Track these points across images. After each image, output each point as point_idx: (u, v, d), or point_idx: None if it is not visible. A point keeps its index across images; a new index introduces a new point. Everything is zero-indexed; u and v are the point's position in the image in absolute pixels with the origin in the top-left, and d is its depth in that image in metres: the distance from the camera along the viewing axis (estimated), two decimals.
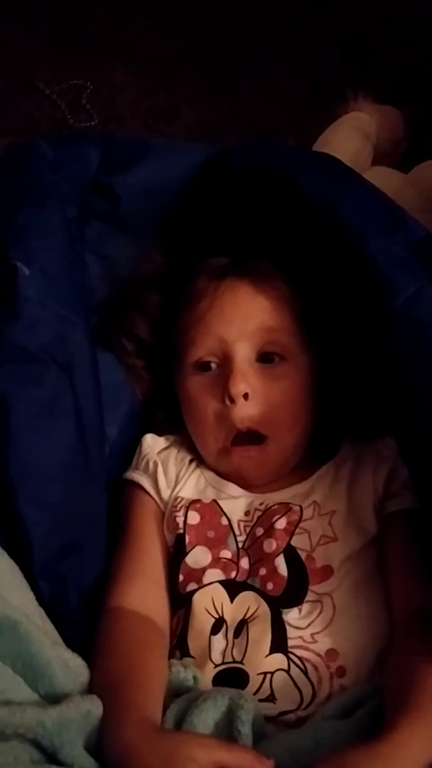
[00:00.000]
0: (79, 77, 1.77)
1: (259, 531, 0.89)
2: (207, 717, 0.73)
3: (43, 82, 1.76)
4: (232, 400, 0.90)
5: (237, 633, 0.84)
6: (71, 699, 0.71)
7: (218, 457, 0.94)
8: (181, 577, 0.88)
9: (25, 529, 0.83)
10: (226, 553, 0.89)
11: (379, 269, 0.83)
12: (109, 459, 0.97)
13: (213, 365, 0.94)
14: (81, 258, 0.99)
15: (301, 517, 0.89)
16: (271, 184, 0.95)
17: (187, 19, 1.92)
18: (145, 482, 0.96)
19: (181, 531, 0.90)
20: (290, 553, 0.87)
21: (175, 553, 0.90)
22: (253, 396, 0.91)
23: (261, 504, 0.91)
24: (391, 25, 1.83)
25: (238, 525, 0.90)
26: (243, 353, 0.92)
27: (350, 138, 1.51)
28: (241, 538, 0.89)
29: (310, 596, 0.85)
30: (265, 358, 0.93)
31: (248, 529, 0.90)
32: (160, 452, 0.98)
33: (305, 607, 0.84)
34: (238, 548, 0.89)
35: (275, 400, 0.91)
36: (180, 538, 0.90)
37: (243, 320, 0.92)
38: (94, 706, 0.72)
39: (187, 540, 0.90)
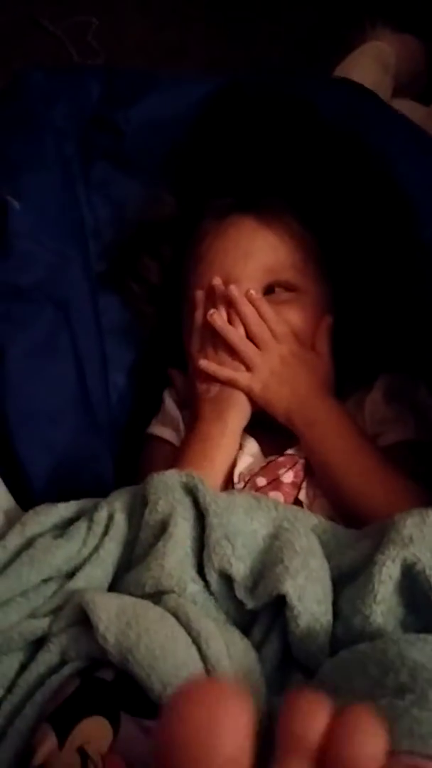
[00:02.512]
0: (84, 13, 1.71)
1: (261, 481, 0.86)
2: None
3: (47, 20, 1.71)
4: None
5: None
6: None
7: None
8: None
9: (26, 473, 0.82)
10: None
11: (407, 196, 0.80)
12: (119, 406, 0.97)
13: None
14: (76, 193, 0.96)
15: (306, 470, 0.87)
16: (287, 114, 0.91)
17: None
18: (171, 436, 0.95)
19: None
20: None
21: None
22: None
23: (266, 457, 0.89)
24: None
25: (239, 475, 0.88)
26: (247, 288, 0.89)
27: (369, 69, 1.45)
28: (239, 486, 0.87)
29: None
30: (271, 290, 0.91)
31: (247, 478, 0.87)
32: (180, 407, 0.97)
33: None
34: None
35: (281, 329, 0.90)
36: None
37: (246, 259, 0.91)
38: None
39: None
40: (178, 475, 0.71)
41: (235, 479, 0.87)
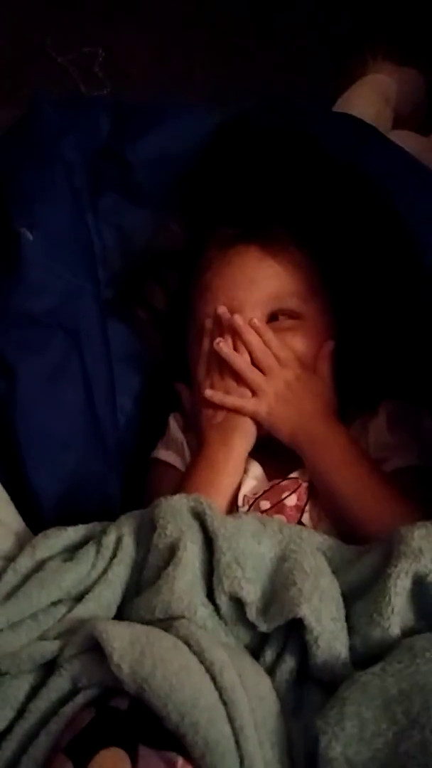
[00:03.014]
0: (90, 44, 1.74)
1: (265, 504, 0.87)
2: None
3: (55, 51, 1.73)
4: None
5: None
6: None
7: None
8: None
9: (36, 495, 0.84)
10: None
11: (408, 226, 0.82)
12: (126, 430, 0.98)
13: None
14: (86, 223, 0.98)
15: (309, 493, 0.88)
16: (291, 145, 0.93)
17: None
18: (176, 460, 0.96)
19: None
20: None
21: None
22: None
23: (270, 481, 0.90)
24: None
25: (243, 498, 0.89)
26: (251, 317, 0.91)
27: (370, 101, 1.48)
28: (243, 509, 0.88)
29: None
30: (275, 317, 0.93)
31: (251, 501, 0.88)
32: (184, 431, 0.98)
33: None
34: None
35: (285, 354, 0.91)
36: None
37: (249, 286, 0.92)
38: None
39: None
40: (186, 500, 0.72)
41: (240, 502, 0.88)
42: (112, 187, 1.00)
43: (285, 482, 0.89)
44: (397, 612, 0.62)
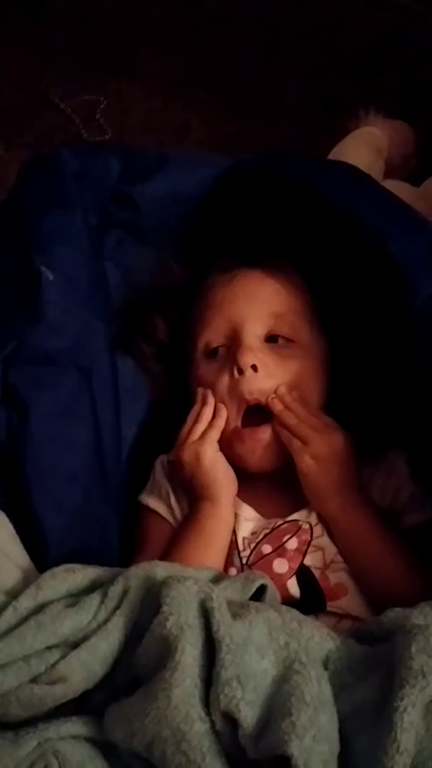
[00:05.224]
0: (93, 92, 1.79)
1: (266, 548, 0.88)
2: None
3: (58, 98, 1.78)
4: (241, 371, 0.91)
5: None
6: None
7: (230, 440, 0.93)
8: None
9: (41, 530, 0.83)
10: (232, 571, 0.88)
11: (400, 267, 0.85)
12: (127, 460, 0.99)
13: (221, 350, 0.95)
14: (102, 265, 1.00)
15: (312, 535, 0.88)
16: (289, 192, 0.97)
17: (198, 38, 1.94)
18: (160, 508, 0.96)
19: None
20: (303, 573, 0.86)
21: None
22: (261, 369, 0.92)
23: (269, 523, 0.90)
24: (400, 42, 1.85)
25: (243, 541, 0.89)
26: (252, 331, 0.93)
27: (362, 152, 1.52)
28: (245, 554, 0.88)
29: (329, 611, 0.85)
30: (274, 339, 0.94)
31: (253, 545, 0.89)
32: (171, 477, 0.98)
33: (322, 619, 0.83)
34: (242, 564, 0.88)
35: (283, 377, 0.92)
36: None
37: (252, 302, 0.95)
38: None
39: None
40: (197, 588, 0.67)
41: (240, 546, 0.88)
42: (118, 226, 1.02)
43: (284, 525, 0.89)
44: (402, 750, 0.56)
